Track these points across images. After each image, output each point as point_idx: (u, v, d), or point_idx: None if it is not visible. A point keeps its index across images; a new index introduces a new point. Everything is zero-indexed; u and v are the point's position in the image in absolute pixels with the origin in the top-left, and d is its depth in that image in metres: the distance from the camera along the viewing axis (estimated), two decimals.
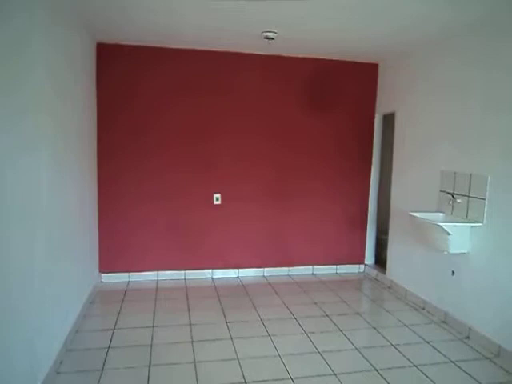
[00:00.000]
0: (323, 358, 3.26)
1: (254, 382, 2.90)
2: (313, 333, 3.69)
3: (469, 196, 3.68)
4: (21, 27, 2.35)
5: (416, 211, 4.03)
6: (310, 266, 5.44)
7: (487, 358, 3.32)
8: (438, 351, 3.42)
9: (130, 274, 4.94)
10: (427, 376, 3.02)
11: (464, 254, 3.71)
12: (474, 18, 3.44)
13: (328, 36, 4.12)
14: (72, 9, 3.39)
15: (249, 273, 5.26)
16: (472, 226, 3.60)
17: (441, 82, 4.11)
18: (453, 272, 3.89)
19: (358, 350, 3.41)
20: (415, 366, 3.17)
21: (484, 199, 3.50)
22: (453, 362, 3.25)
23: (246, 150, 5.05)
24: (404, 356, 3.31)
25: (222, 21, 3.69)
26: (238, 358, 3.21)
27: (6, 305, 2.19)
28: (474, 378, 3.01)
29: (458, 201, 3.80)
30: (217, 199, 5.05)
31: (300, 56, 5.02)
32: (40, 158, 2.68)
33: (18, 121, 2.31)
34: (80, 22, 3.74)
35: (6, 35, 2.16)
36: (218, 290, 4.73)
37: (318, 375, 3.02)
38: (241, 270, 5.25)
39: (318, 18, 3.54)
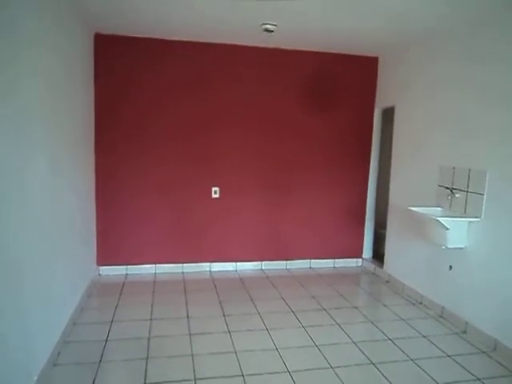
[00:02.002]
0: (320, 351, 3.27)
1: (251, 375, 2.91)
2: (310, 326, 3.70)
3: (467, 191, 3.68)
4: (16, 23, 2.31)
5: (414, 206, 4.03)
6: (308, 260, 5.44)
7: (484, 353, 3.33)
8: (435, 345, 3.43)
9: (128, 267, 4.94)
10: (424, 370, 3.04)
11: (461, 248, 3.71)
12: (471, 13, 3.43)
13: (328, 28, 4.08)
14: None
15: (247, 266, 5.26)
16: (470, 221, 3.60)
17: (440, 76, 4.09)
18: (450, 267, 3.89)
19: (355, 343, 3.42)
20: (412, 359, 3.18)
21: (482, 194, 3.50)
22: (449, 356, 3.26)
23: (245, 144, 5.03)
24: (401, 350, 3.33)
25: (222, 13, 3.65)
26: (235, 351, 3.22)
27: (3, 297, 2.18)
28: (470, 372, 3.03)
29: (457, 196, 3.80)
30: (215, 192, 5.04)
31: (300, 49, 4.98)
32: (35, 155, 2.66)
33: (13, 120, 2.29)
34: (77, 11, 3.68)
35: (0, 32, 2.13)
36: (215, 284, 4.73)
37: (315, 368, 3.03)
38: (239, 263, 5.25)
39: (317, 9, 3.51)
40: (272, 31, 4.04)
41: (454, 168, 3.86)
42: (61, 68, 3.30)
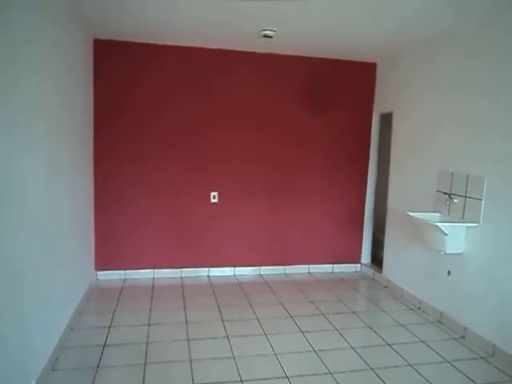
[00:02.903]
0: (319, 356, 3.26)
1: (249, 380, 2.90)
2: (309, 331, 3.69)
3: (465, 196, 3.69)
4: (16, 25, 2.33)
5: (413, 211, 4.03)
6: (307, 265, 5.44)
7: (482, 358, 3.33)
8: (434, 351, 3.43)
9: (126, 271, 4.93)
10: (422, 375, 3.03)
11: (460, 254, 3.71)
12: (472, 15, 3.42)
13: (327, 35, 4.11)
14: (68, 3, 3.36)
15: (245, 271, 5.26)
16: (468, 226, 3.61)
17: (438, 81, 4.11)
18: (449, 272, 3.90)
19: (353, 349, 3.41)
20: (411, 365, 3.18)
21: (481, 200, 3.51)
22: (448, 361, 3.26)
23: (244, 148, 5.05)
24: (399, 355, 3.32)
25: (221, 19, 3.67)
26: (233, 357, 3.21)
27: (3, 299, 2.18)
28: (469, 378, 3.02)
29: (455, 201, 3.81)
30: (214, 197, 5.05)
31: (299, 55, 5.01)
32: (35, 156, 2.66)
33: (13, 120, 2.30)
34: (77, 17, 3.71)
35: (1, 33, 2.14)
36: (214, 289, 4.72)
37: (314, 374, 3.02)
38: (237, 268, 5.24)
39: (316, 16, 3.53)
40: (271, 37, 4.07)
41: (452, 173, 3.88)
42: (61, 69, 3.32)
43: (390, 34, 3.98)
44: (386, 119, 5.25)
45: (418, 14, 3.43)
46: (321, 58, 5.09)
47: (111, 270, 4.88)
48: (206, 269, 5.15)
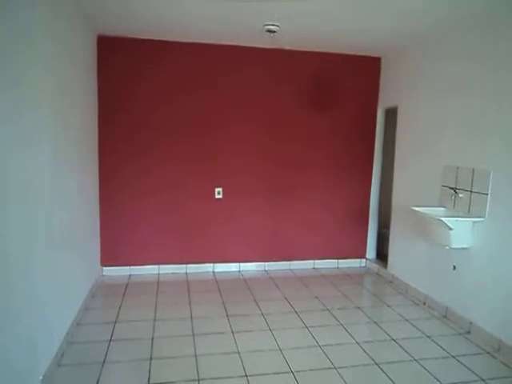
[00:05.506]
0: (324, 351, 3.26)
1: (254, 375, 2.91)
2: (313, 327, 3.69)
3: (471, 191, 3.67)
4: (21, 20, 2.33)
5: (418, 206, 4.02)
6: (312, 260, 5.44)
7: (488, 353, 3.32)
8: (439, 346, 3.42)
9: (132, 267, 4.95)
10: (428, 370, 3.03)
11: (465, 248, 3.70)
12: (475, 12, 3.42)
13: (331, 29, 4.09)
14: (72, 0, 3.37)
15: (250, 267, 5.27)
16: (474, 221, 3.59)
17: (443, 75, 4.08)
18: (454, 267, 3.88)
19: (358, 344, 3.41)
20: (416, 360, 3.17)
21: (486, 194, 3.48)
22: (453, 356, 3.25)
23: (248, 144, 5.04)
24: (405, 350, 3.32)
25: (223, 14, 3.66)
26: (238, 352, 3.22)
27: (8, 298, 2.19)
28: (474, 373, 3.02)
29: (460, 195, 3.79)
30: (218, 193, 5.05)
31: (302, 50, 4.98)
32: (41, 151, 2.68)
33: (18, 115, 2.31)
34: (80, 13, 3.72)
35: (6, 28, 2.15)
36: (219, 284, 4.74)
37: (319, 369, 3.02)
38: (242, 264, 5.25)
39: (319, 10, 3.51)
40: (275, 32, 4.04)
41: (457, 168, 3.85)
42: (67, 65, 3.33)
43: (393, 28, 3.97)
44: (391, 114, 5.22)
45: (417, 10, 3.42)
46: (325, 53, 5.05)
47: (117, 265, 4.90)
48: (211, 264, 5.16)
